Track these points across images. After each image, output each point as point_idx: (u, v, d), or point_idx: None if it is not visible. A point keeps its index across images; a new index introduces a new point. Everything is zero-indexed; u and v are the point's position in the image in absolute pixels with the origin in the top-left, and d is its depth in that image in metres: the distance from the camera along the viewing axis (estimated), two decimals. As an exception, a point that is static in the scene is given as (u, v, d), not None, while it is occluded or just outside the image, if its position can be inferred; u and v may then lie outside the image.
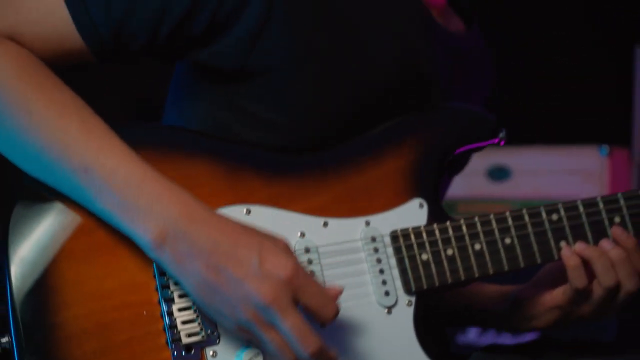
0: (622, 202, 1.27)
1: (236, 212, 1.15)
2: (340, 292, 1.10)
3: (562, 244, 1.24)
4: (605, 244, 1.21)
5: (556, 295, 1.27)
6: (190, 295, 1.09)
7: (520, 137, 3.89)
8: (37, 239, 1.11)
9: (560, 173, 3.36)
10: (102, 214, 1.09)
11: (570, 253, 1.22)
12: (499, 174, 3.49)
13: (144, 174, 1.08)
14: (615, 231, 1.22)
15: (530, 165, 3.43)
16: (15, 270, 1.09)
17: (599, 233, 1.25)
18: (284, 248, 1.08)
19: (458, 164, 1.42)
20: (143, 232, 1.06)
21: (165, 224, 1.06)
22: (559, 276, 1.25)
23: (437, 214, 1.23)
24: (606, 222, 1.25)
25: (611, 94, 4.74)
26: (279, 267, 1.05)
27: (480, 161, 3.50)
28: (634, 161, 4.71)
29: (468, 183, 3.47)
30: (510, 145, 3.55)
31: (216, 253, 1.05)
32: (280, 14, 1.15)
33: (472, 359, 1.12)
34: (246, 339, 1.09)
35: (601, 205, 1.26)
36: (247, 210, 1.16)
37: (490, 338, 2.50)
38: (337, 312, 1.08)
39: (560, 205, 1.26)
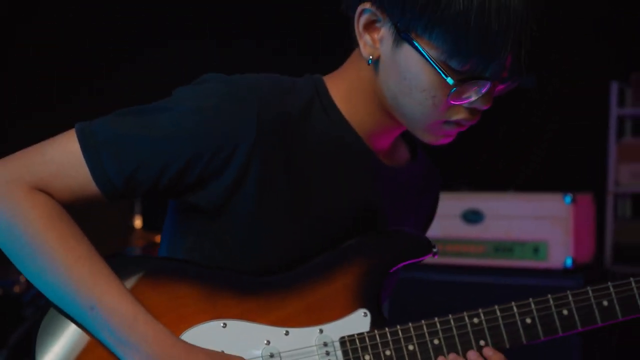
0: (532, 305, 1.56)
1: (215, 326, 1.44)
2: None
3: (481, 342, 1.53)
4: (471, 356, 1.49)
5: None
6: None
7: (493, 184, 4.19)
8: (57, 350, 1.40)
9: (529, 218, 3.65)
10: (105, 343, 1.40)
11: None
12: (473, 217, 3.77)
13: (135, 317, 1.38)
14: (486, 352, 1.50)
15: (502, 210, 3.72)
16: None
17: (513, 333, 1.54)
18: None
19: (395, 277, 1.71)
20: None
21: (148, 358, 1.37)
22: None
23: (378, 321, 1.52)
24: (519, 324, 1.55)
25: (585, 127, 5.01)
26: None
27: (455, 205, 3.79)
28: (608, 192, 5.00)
29: (444, 225, 3.77)
30: (484, 191, 3.85)
31: None
32: (255, 172, 1.46)
33: None
34: None
35: (514, 309, 1.55)
36: (223, 324, 1.45)
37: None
38: None
39: (480, 310, 1.55)
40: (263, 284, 1.50)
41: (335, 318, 1.50)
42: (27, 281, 3.92)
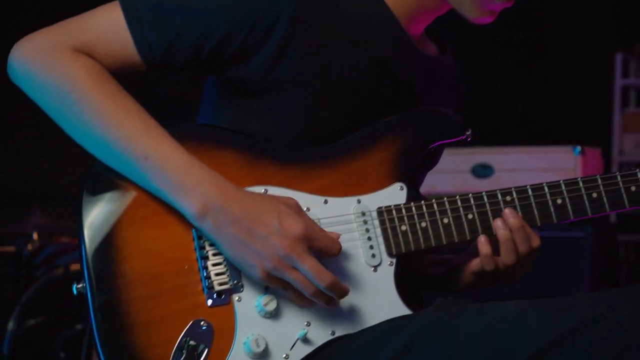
0: (562, 187, 1.60)
1: (256, 191, 1.48)
2: (338, 235, 1.46)
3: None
4: (498, 223, 1.54)
5: (474, 264, 1.59)
6: (225, 253, 1.42)
7: (502, 138, 4.23)
8: (104, 207, 1.44)
9: (538, 171, 3.69)
10: (157, 192, 1.43)
11: (485, 241, 1.54)
12: (482, 171, 3.82)
13: (190, 162, 1.42)
14: (506, 211, 1.54)
15: (511, 163, 3.76)
16: (87, 231, 1.42)
17: (544, 212, 1.58)
18: (296, 208, 1.43)
19: (431, 159, 1.75)
20: (189, 206, 1.40)
21: (206, 201, 1.40)
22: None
23: (414, 195, 1.56)
24: (549, 203, 1.59)
25: (590, 97, 5.06)
26: (294, 225, 1.40)
27: (465, 160, 3.84)
28: (613, 160, 5.04)
29: (455, 180, 3.81)
30: (493, 146, 3.90)
31: (246, 219, 1.39)
32: (295, 44, 1.50)
33: (437, 302, 1.44)
34: (270, 285, 1.42)
35: (546, 189, 1.59)
36: (264, 190, 1.49)
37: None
38: (339, 248, 1.44)
39: (513, 189, 1.59)
40: (303, 155, 1.54)
41: (373, 190, 1.55)
42: (40, 240, 3.97)
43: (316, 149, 1.55)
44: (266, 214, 1.40)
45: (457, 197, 1.57)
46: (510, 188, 1.60)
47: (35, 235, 3.93)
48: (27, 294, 3.81)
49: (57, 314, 3.74)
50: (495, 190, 1.59)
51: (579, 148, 3.61)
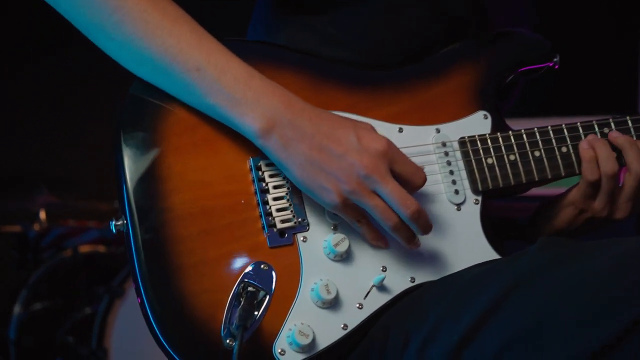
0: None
1: None
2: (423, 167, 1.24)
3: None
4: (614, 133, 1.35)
5: (571, 193, 1.39)
6: (293, 177, 1.20)
7: (535, 109, 4.02)
8: (145, 135, 1.23)
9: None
10: (212, 109, 1.21)
11: (587, 146, 1.34)
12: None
13: (250, 73, 1.21)
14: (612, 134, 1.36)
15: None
16: (128, 162, 1.21)
17: None
18: (372, 128, 1.22)
19: (511, 92, 1.54)
20: (252, 121, 1.19)
21: (272, 114, 1.18)
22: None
23: (499, 125, 1.35)
24: None
25: (615, 76, 4.87)
26: (375, 141, 1.18)
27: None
28: None
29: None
30: (525, 117, 3.69)
31: (318, 135, 1.18)
32: None
33: (540, 241, 1.23)
34: (345, 216, 1.21)
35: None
36: None
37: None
38: (425, 178, 1.22)
39: (611, 120, 1.38)
40: (373, 78, 1.33)
41: (453, 118, 1.34)
42: (48, 220, 3.75)
43: (388, 71, 1.34)
44: (341, 129, 1.20)
45: (549, 127, 1.36)
46: (608, 118, 1.39)
47: (42, 214, 3.70)
48: (33, 277, 3.60)
49: (65, 297, 3.54)
50: (592, 120, 1.38)
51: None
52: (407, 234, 1.22)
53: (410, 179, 1.21)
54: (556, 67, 1.45)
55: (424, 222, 1.21)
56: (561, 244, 1.21)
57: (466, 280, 1.22)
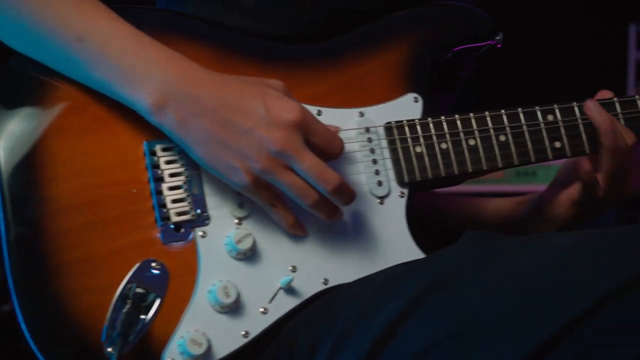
0: (618, 108, 1.27)
1: None
2: (338, 130, 1.12)
3: (557, 144, 1.23)
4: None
5: (570, 192, 1.26)
6: (197, 157, 1.08)
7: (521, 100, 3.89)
8: (25, 114, 1.09)
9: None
10: (99, 84, 1.08)
11: (606, 117, 1.22)
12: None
13: (141, 41, 1.07)
14: (588, 104, 1.24)
15: (524, 129, 3.43)
16: (2, 145, 1.07)
17: (592, 135, 1.24)
18: (285, 91, 1.09)
19: (455, 73, 1.40)
20: (143, 96, 1.05)
21: (165, 86, 1.05)
22: (574, 176, 1.26)
23: (432, 110, 1.22)
24: None
25: (603, 71, 4.74)
26: (287, 111, 1.05)
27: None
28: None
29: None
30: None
31: (221, 108, 1.05)
32: None
33: (465, 236, 1.10)
34: (257, 198, 1.08)
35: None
36: None
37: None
38: (343, 145, 1.10)
39: (556, 107, 1.25)
40: (292, 53, 1.20)
41: (379, 101, 1.20)
42: None
43: (309, 45, 1.21)
44: (248, 99, 1.06)
45: (487, 113, 1.23)
46: (553, 105, 1.26)
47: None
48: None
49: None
50: (534, 108, 1.25)
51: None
52: (328, 210, 1.09)
53: (327, 149, 1.08)
54: (499, 45, 1.31)
55: (348, 195, 1.08)
56: (490, 239, 1.08)
57: (381, 281, 1.09)
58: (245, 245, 1.09)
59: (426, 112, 1.21)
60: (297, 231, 1.10)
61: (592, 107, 1.23)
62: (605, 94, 1.27)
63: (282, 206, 1.08)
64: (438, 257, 1.08)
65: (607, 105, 1.26)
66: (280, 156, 1.04)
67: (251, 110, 1.05)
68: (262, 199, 1.08)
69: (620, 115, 1.26)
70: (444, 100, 1.42)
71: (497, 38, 1.29)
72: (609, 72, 4.80)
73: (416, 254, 1.15)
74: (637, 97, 1.29)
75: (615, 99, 1.27)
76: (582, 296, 0.94)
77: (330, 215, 1.09)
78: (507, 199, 1.40)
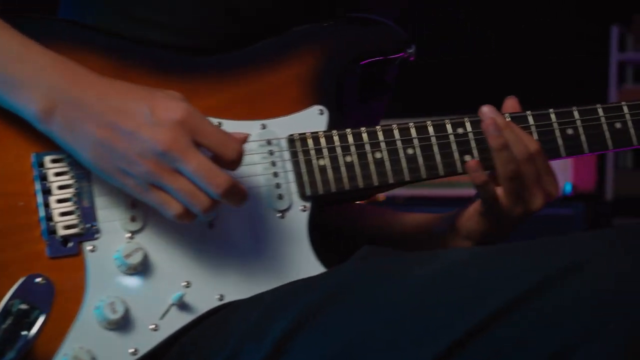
0: (530, 120, 1.25)
1: None
2: (246, 137, 1.08)
3: (467, 157, 1.21)
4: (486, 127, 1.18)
5: (476, 204, 1.22)
6: (86, 162, 1.05)
7: (472, 109, 3.87)
8: None
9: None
10: None
11: (476, 166, 1.18)
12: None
13: (26, 47, 1.05)
14: (484, 110, 1.20)
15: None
16: None
17: None
18: (177, 96, 1.05)
19: (374, 85, 1.38)
20: (30, 104, 1.03)
21: (53, 92, 1.03)
22: None
23: (337, 123, 1.19)
24: None
25: (585, 73, 4.72)
26: (171, 110, 1.02)
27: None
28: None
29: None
30: (475, 115, 3.54)
31: (107, 111, 1.02)
32: None
33: (361, 251, 1.08)
34: (149, 201, 1.05)
35: (508, 119, 1.23)
36: None
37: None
38: (241, 151, 1.04)
39: (466, 119, 1.23)
40: (191, 65, 1.17)
41: (283, 113, 1.18)
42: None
43: (210, 57, 1.18)
44: (133, 100, 1.03)
45: (394, 126, 1.20)
46: (463, 117, 1.23)
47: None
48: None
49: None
50: (443, 120, 1.23)
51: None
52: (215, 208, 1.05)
53: (220, 153, 1.03)
54: (411, 58, 1.29)
55: (240, 196, 1.04)
56: (383, 255, 1.06)
57: (273, 298, 1.06)
58: (135, 259, 1.07)
59: (332, 125, 1.19)
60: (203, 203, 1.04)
61: (485, 110, 1.19)
62: (513, 103, 1.24)
63: (175, 207, 1.04)
64: (331, 274, 1.06)
65: (520, 118, 1.24)
66: (165, 157, 1.01)
67: (136, 111, 1.02)
68: (155, 201, 1.05)
69: (533, 128, 1.24)
70: (374, 108, 1.40)
71: (410, 51, 1.26)
72: (590, 74, 4.78)
73: (317, 269, 1.13)
74: (551, 110, 1.26)
75: (528, 112, 1.25)
76: (467, 315, 0.92)
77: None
78: (427, 214, 1.37)
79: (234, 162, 1.04)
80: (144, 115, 1.02)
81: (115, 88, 1.05)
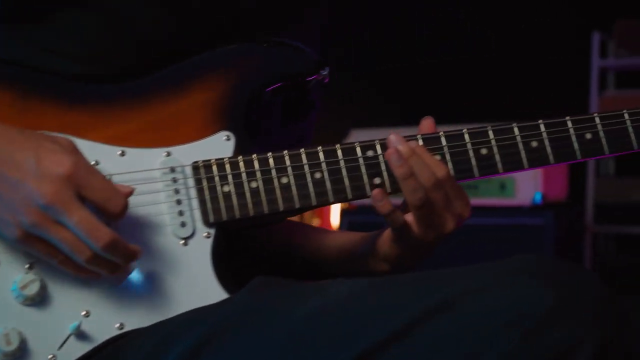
0: (443, 140, 1.24)
1: None
2: (131, 191, 1.08)
3: (377, 180, 1.21)
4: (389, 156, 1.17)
5: (386, 234, 1.23)
6: None
7: (450, 118, 3.86)
8: None
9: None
10: None
11: (381, 197, 1.18)
12: (434, 152, 3.46)
13: None
14: (391, 138, 1.18)
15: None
16: None
17: None
18: (67, 146, 1.06)
19: (296, 106, 1.38)
20: None
21: None
22: None
23: (245, 149, 1.19)
24: None
25: (566, 80, 4.71)
26: (57, 164, 1.02)
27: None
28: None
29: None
30: (443, 125, 3.53)
31: None
32: None
33: (252, 283, 1.09)
34: (32, 250, 1.06)
35: (420, 142, 1.23)
36: None
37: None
38: (125, 205, 1.05)
39: (377, 141, 1.23)
40: (97, 94, 1.18)
41: (189, 140, 1.18)
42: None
43: (116, 85, 1.18)
44: (20, 151, 1.04)
45: (302, 151, 1.20)
46: (374, 140, 1.23)
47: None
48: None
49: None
50: (354, 143, 1.22)
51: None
52: (108, 266, 1.06)
53: (104, 207, 1.05)
54: (326, 80, 1.29)
55: (123, 254, 1.05)
56: (275, 286, 1.06)
57: (172, 325, 1.07)
58: (31, 290, 1.07)
59: (240, 150, 1.19)
60: (86, 276, 1.08)
61: (391, 138, 1.18)
62: (429, 123, 1.24)
63: (62, 257, 1.06)
64: (223, 304, 1.06)
65: (433, 140, 1.24)
66: (48, 210, 1.01)
67: (22, 162, 1.02)
68: (39, 251, 1.05)
69: (446, 149, 1.23)
70: (299, 129, 1.40)
71: (324, 73, 1.27)
72: (571, 80, 4.77)
73: (221, 295, 1.13)
74: (464, 130, 1.26)
75: (441, 132, 1.24)
76: (337, 355, 0.92)
77: (112, 271, 1.06)
78: (352, 234, 1.37)
79: (117, 215, 1.05)
80: (30, 166, 1.02)
81: (5, 135, 1.05)
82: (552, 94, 4.68)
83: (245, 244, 1.28)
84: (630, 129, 1.24)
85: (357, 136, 3.54)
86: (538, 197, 3.19)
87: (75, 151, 1.06)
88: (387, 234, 1.23)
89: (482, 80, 4.94)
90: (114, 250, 1.03)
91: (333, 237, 1.37)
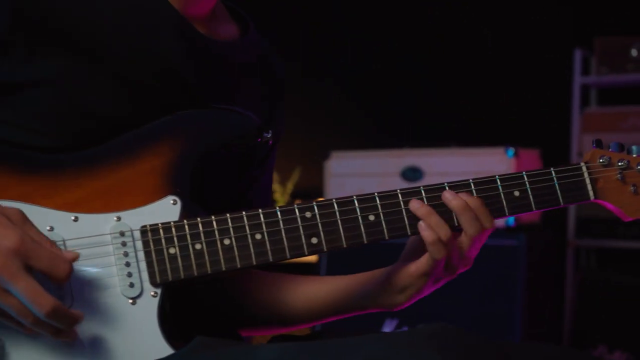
0: (377, 200, 1.34)
1: None
2: (76, 257, 1.17)
3: (314, 240, 1.30)
4: (447, 194, 1.33)
5: (421, 264, 1.36)
6: None
7: (432, 140, 3.96)
8: None
9: (470, 174, 3.42)
10: None
11: (426, 227, 1.30)
12: (412, 174, 3.55)
13: None
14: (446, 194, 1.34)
15: (442, 166, 3.51)
16: None
17: (353, 230, 1.32)
18: (15, 219, 1.15)
19: (247, 164, 1.47)
20: None
21: None
22: (421, 247, 1.35)
23: (191, 212, 1.29)
24: (360, 220, 1.33)
25: (548, 96, 4.79)
26: (5, 238, 1.12)
27: (395, 163, 3.58)
28: (570, 160, 4.77)
29: (383, 183, 3.55)
30: (422, 148, 3.63)
31: None
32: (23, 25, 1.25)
33: (193, 343, 1.19)
34: None
35: (356, 204, 1.33)
36: None
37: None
38: (69, 270, 1.15)
39: (314, 203, 1.33)
40: (52, 163, 1.27)
41: (137, 205, 1.28)
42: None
43: (70, 154, 1.28)
44: None
45: (244, 213, 1.30)
46: (312, 202, 1.33)
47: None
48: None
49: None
50: (293, 206, 1.32)
51: (512, 150, 3.35)
52: (51, 329, 1.16)
53: (50, 273, 1.15)
54: (270, 142, 1.39)
55: (65, 319, 1.15)
56: (215, 348, 1.15)
57: None
58: (-10, 349, 1.17)
59: (186, 213, 1.29)
60: (38, 334, 1.17)
61: (414, 202, 1.33)
62: (416, 205, 1.34)
63: (8, 318, 1.16)
64: None
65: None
66: None
67: None
68: None
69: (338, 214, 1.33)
70: (259, 182, 1.50)
71: (267, 136, 1.36)
72: (553, 97, 4.85)
73: (167, 351, 1.23)
74: (445, 183, 1.36)
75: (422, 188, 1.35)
76: None
77: (56, 335, 1.16)
78: (354, 278, 1.48)
79: (63, 279, 1.15)
80: None
81: None
82: (534, 110, 4.76)
83: (192, 300, 1.37)
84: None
85: (338, 158, 3.64)
86: (511, 220, 3.29)
87: (23, 222, 1.16)
88: (412, 267, 1.36)
89: (464, 99, 5.00)
90: (55, 316, 1.13)
91: (323, 281, 1.48)
